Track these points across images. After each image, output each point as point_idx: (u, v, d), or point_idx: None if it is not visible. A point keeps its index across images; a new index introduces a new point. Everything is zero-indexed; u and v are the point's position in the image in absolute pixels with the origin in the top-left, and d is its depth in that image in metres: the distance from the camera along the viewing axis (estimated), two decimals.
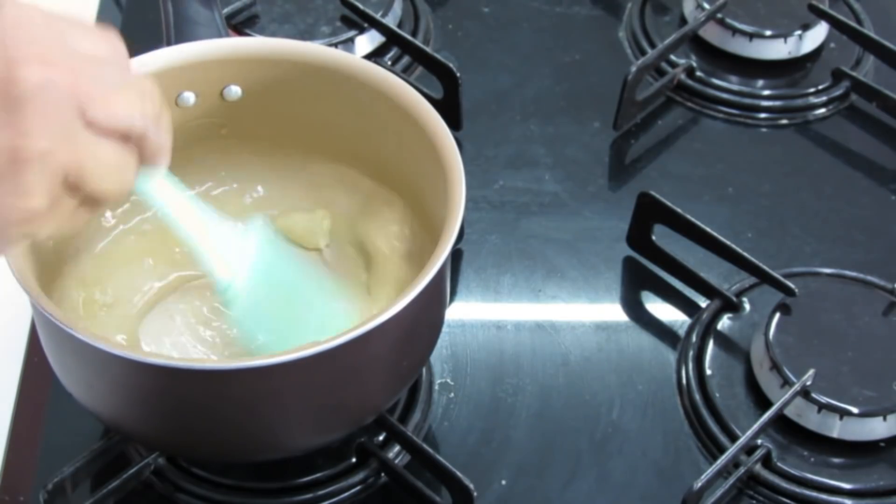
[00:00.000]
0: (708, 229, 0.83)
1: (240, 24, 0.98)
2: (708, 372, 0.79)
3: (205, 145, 0.77)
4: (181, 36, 0.70)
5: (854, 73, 0.97)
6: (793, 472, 0.74)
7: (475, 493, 0.69)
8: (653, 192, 0.83)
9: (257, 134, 0.78)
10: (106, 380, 0.65)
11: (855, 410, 0.74)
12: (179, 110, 0.75)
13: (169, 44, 0.75)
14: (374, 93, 0.74)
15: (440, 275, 0.66)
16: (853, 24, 0.99)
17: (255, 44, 0.76)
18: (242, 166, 0.79)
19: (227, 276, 0.66)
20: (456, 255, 0.86)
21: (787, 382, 0.75)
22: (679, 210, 0.83)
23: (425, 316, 0.69)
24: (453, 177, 0.69)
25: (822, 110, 0.97)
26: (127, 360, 0.61)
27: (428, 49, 0.95)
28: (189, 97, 0.75)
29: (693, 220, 0.83)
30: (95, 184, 0.53)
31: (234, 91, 0.75)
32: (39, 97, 0.50)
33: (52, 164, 0.51)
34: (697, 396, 0.78)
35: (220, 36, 0.76)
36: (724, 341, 0.81)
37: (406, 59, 0.98)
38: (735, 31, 0.98)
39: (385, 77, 0.74)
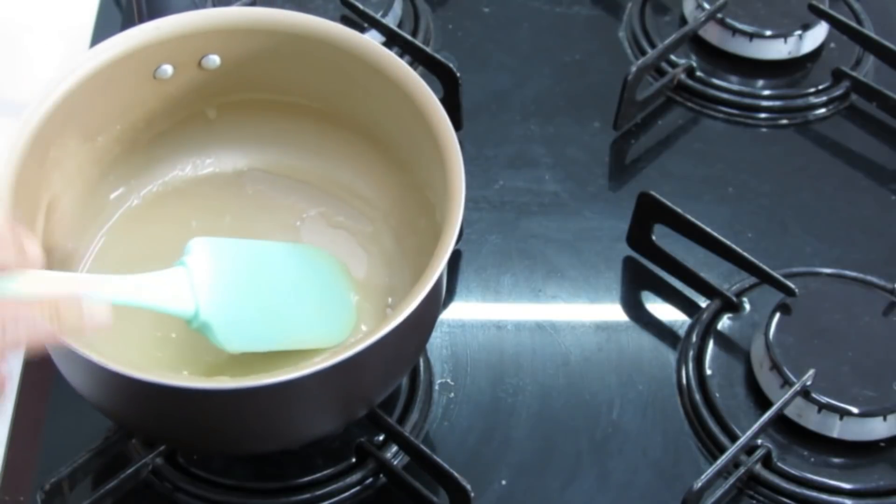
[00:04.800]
0: (708, 229, 0.82)
1: None
2: (708, 372, 0.79)
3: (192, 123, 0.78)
4: (154, 11, 0.70)
5: (854, 73, 0.97)
6: (793, 472, 0.74)
7: (472, 494, 0.69)
8: (653, 192, 0.83)
9: (241, 100, 0.78)
10: (109, 391, 0.66)
11: (855, 410, 0.74)
12: (158, 83, 0.74)
13: (141, 20, 0.74)
14: (351, 57, 0.73)
15: (440, 276, 0.65)
16: (853, 24, 0.99)
17: (229, 14, 0.75)
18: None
19: (190, 309, 0.67)
20: (456, 255, 0.86)
21: (787, 382, 0.75)
22: (679, 210, 0.83)
23: (424, 316, 0.68)
24: (452, 164, 0.68)
25: (822, 110, 0.97)
26: (135, 380, 0.60)
27: (428, 49, 0.94)
28: (167, 69, 0.74)
29: (693, 220, 0.83)
30: None
31: (213, 60, 0.75)
32: None
33: None
34: (697, 396, 0.78)
35: (193, 7, 0.76)
36: (724, 341, 0.81)
37: (406, 59, 0.97)
38: (735, 31, 0.98)
39: (363, 42, 0.73)
